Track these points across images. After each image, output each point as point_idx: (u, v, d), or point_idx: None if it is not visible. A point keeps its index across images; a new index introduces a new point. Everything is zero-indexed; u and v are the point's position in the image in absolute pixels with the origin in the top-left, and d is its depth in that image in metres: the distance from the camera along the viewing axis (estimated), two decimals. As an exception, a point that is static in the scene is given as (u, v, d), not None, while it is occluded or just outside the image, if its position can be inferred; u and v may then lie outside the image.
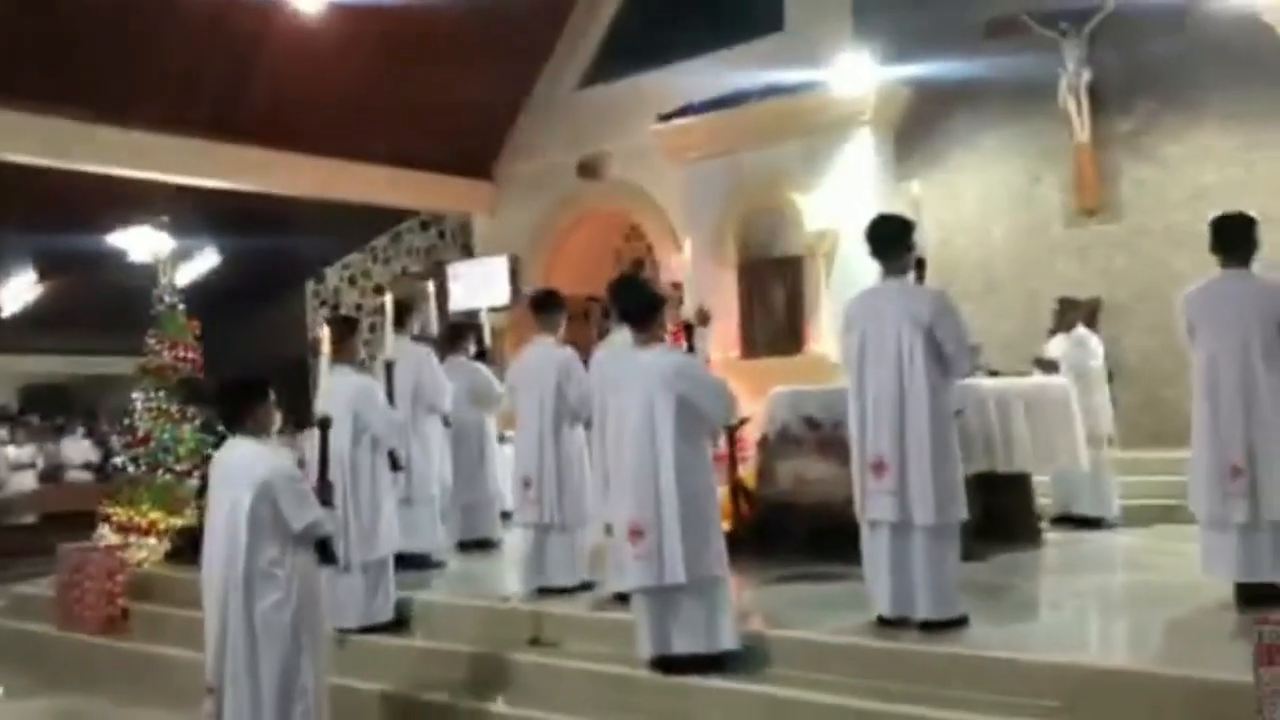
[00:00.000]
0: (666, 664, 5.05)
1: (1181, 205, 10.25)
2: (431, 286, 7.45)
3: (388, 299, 6.59)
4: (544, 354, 6.62)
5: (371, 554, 6.27)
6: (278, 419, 4.90)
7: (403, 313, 7.41)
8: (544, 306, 6.88)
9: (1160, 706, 4.10)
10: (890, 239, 5.26)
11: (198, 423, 9.55)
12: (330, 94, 13.01)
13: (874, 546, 5.17)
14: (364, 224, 16.91)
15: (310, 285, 18.56)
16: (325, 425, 5.03)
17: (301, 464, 13.51)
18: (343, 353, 6.50)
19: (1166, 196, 10.36)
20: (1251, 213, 5.44)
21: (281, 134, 12.97)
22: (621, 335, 5.71)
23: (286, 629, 4.55)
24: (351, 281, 18.16)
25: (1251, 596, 5.04)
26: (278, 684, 4.53)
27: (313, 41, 12.07)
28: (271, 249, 15.53)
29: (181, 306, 10.05)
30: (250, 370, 5.06)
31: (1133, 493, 8.40)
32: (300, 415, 16.15)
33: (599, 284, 15.29)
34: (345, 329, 6.75)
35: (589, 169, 14.31)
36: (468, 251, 16.31)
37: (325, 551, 4.79)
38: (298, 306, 18.59)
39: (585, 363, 6.42)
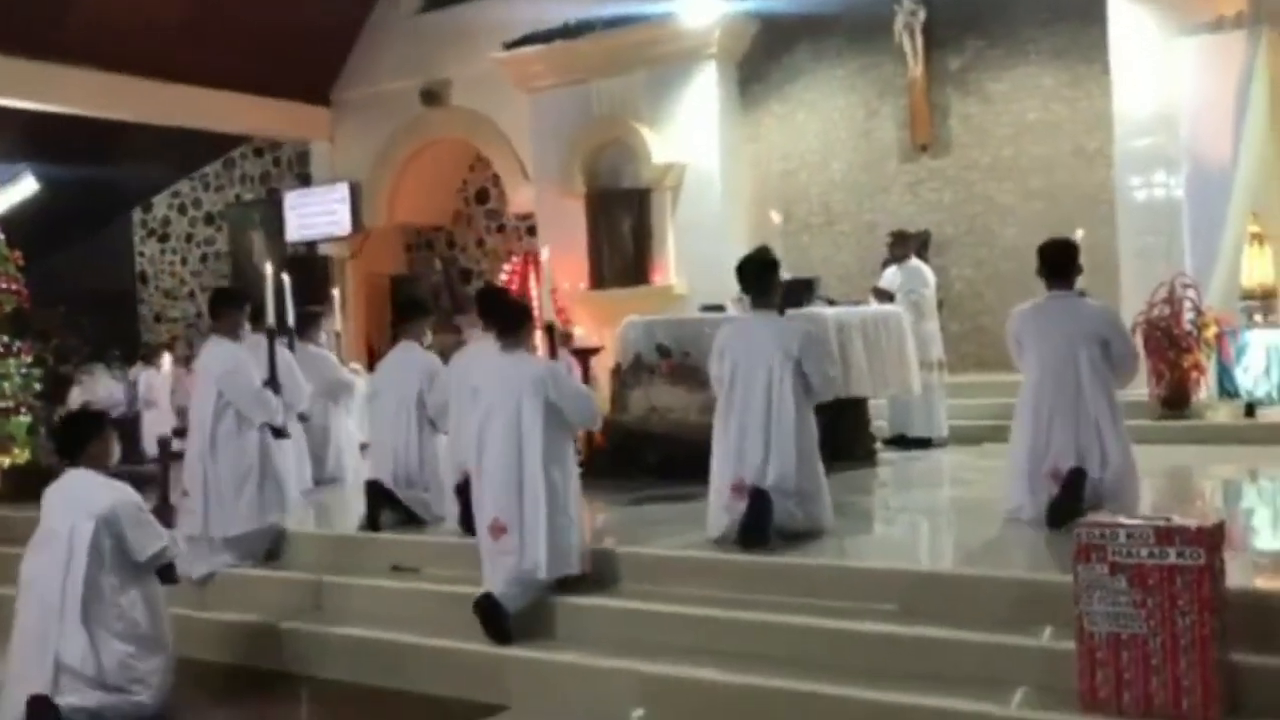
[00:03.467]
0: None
1: (1006, 141, 10.79)
2: (286, 278, 7.27)
3: (268, 270, 6.62)
4: (407, 359, 6.72)
5: (230, 530, 6.22)
6: (116, 452, 4.89)
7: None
8: (409, 313, 7.05)
9: (987, 604, 4.45)
10: (758, 275, 5.64)
11: (26, 358, 9.15)
12: (158, 13, 12.40)
13: None
14: (194, 150, 16.22)
15: (137, 213, 17.78)
16: (165, 448, 5.01)
17: (133, 401, 12.96)
18: (222, 326, 6.49)
19: (992, 132, 10.88)
20: (1076, 237, 5.80)
21: (106, 54, 12.31)
22: (479, 343, 5.81)
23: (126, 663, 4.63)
24: (182, 210, 17.47)
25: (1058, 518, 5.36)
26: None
27: (139, -44, 11.48)
28: (96, 176, 14.81)
29: (1, 236, 9.56)
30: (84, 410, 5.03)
31: (959, 414, 8.92)
32: (129, 348, 15.54)
33: (443, 214, 15.27)
34: (228, 303, 6.66)
35: (433, 96, 14.06)
36: (304, 180, 15.85)
37: (167, 574, 4.86)
38: (124, 235, 17.81)
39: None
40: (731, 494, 5.32)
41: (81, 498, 4.64)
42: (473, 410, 5.38)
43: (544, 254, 6.89)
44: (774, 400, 5.35)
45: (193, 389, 6.66)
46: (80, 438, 4.79)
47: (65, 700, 4.43)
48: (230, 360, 6.33)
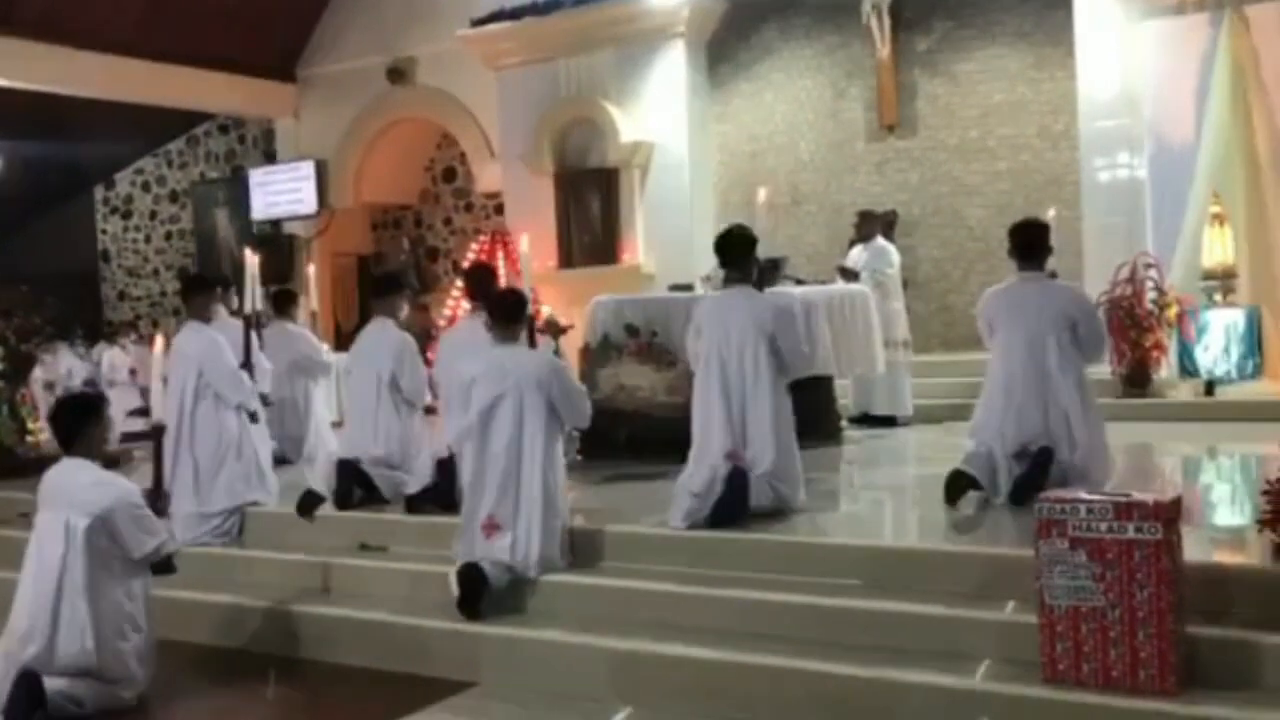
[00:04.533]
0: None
1: (973, 122, 10.87)
2: (258, 258, 7.23)
3: (249, 256, 6.69)
4: (380, 337, 6.68)
5: (207, 506, 6.29)
6: (112, 439, 4.89)
7: (223, 288, 7.29)
8: (385, 289, 7.02)
9: (950, 579, 4.52)
10: (737, 251, 5.66)
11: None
12: (119, -14, 12.25)
13: None
14: (157, 127, 16.04)
15: (100, 191, 17.57)
16: (159, 433, 4.95)
17: (91, 382, 12.81)
18: (193, 310, 6.61)
19: (959, 113, 10.95)
20: (1048, 217, 5.82)
21: (67, 29, 12.13)
22: (471, 322, 5.85)
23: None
24: (145, 187, 17.28)
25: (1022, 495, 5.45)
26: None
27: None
28: (57, 153, 14.62)
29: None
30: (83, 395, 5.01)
31: (924, 393, 9.01)
32: (91, 326, 15.33)
33: (410, 193, 15.18)
34: (198, 287, 6.76)
35: (398, 73, 13.96)
36: (270, 157, 15.71)
37: (164, 566, 4.84)
38: (87, 213, 17.59)
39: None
40: (724, 461, 5.32)
41: (78, 493, 4.60)
42: (465, 403, 5.31)
43: (524, 244, 6.80)
44: (748, 376, 5.38)
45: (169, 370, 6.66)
46: (80, 425, 4.75)
47: (52, 685, 4.40)
48: (206, 342, 6.42)
